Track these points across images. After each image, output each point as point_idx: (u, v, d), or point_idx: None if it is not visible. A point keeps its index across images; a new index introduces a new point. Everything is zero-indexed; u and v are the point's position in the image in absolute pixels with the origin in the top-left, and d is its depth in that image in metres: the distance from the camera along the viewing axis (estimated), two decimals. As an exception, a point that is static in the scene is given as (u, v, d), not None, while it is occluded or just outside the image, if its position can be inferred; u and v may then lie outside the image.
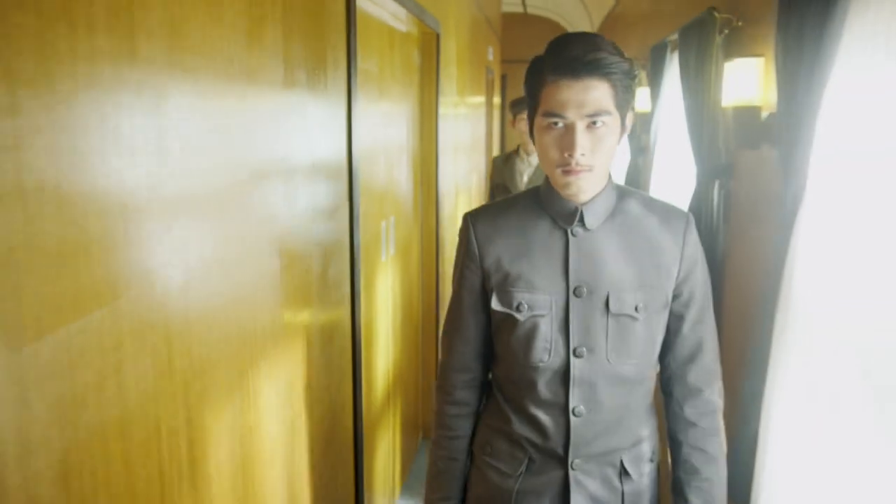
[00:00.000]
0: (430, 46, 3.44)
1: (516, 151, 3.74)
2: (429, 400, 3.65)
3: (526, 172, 3.65)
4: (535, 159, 3.61)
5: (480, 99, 6.05)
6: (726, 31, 1.97)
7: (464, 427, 1.48)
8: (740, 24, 1.92)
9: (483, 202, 6.18)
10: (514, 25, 10.09)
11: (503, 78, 10.25)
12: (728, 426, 1.48)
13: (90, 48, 0.83)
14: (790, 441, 1.58)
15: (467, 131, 5.16)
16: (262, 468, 1.42)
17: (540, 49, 1.28)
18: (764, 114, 1.70)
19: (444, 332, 1.49)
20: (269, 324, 1.43)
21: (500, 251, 1.37)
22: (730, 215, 1.97)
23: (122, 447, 0.92)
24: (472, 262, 1.39)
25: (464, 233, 1.41)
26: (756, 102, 1.74)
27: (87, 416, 0.84)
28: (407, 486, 3.31)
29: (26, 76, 0.73)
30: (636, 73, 1.27)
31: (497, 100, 8.94)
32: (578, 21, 9.32)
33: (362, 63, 2.24)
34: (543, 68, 1.24)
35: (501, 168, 3.77)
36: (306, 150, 1.61)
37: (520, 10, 10.03)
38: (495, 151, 8.96)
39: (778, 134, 1.41)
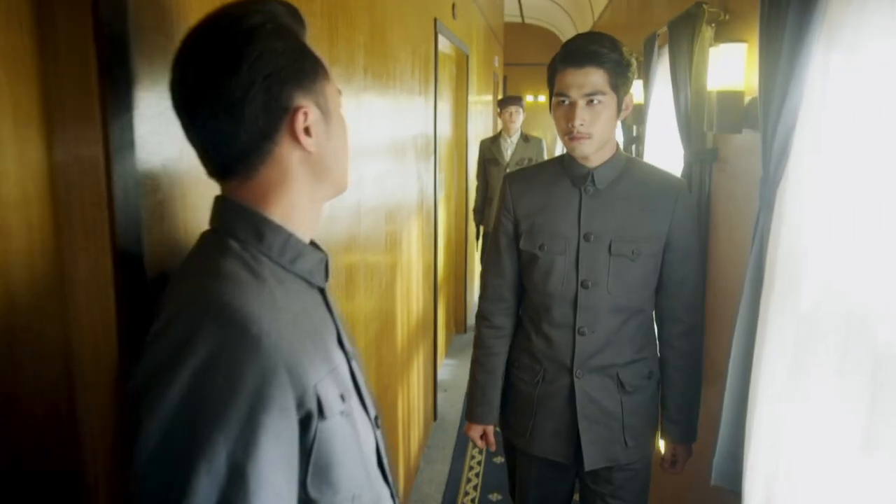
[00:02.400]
0: (462, 63, 5.12)
1: (500, 135, 5.14)
2: (461, 304, 5.33)
3: (509, 149, 5.09)
4: (515, 139, 5.07)
5: (489, 97, 7.72)
6: (714, 25, 1.97)
7: (499, 346, 1.76)
8: (726, 17, 1.92)
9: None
10: (514, 33, 11.69)
11: (504, 79, 11.84)
12: (715, 405, 1.56)
13: (393, 84, 2.49)
14: (777, 418, 1.32)
15: (481, 120, 6.85)
16: (413, 258, 3.10)
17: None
18: (746, 98, 1.68)
19: (483, 269, 1.79)
20: (413, 204, 3.10)
21: (529, 204, 1.65)
22: (713, 196, 2.07)
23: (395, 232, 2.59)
24: (508, 212, 1.69)
25: (503, 189, 1.72)
26: (738, 88, 1.68)
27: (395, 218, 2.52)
28: (449, 354, 4.99)
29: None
30: (630, 62, 1.52)
31: (500, 97, 10.59)
32: (567, 29, 10.88)
33: (434, 79, 3.92)
34: (556, 61, 1.55)
35: (490, 146, 5.15)
36: (420, 128, 3.28)
37: (519, 20, 11.64)
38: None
39: (761, 118, 1.34)
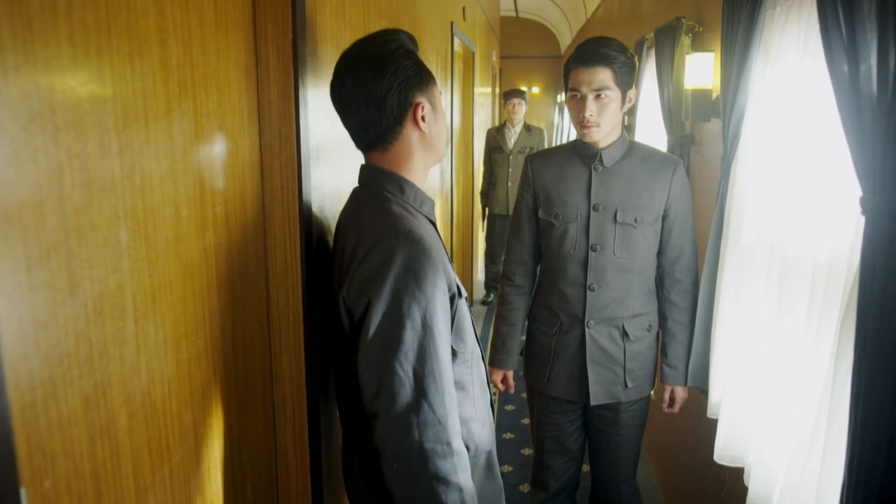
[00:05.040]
0: (469, 60, 5.60)
1: (504, 124, 5.64)
2: (468, 279, 5.84)
3: (512, 138, 5.57)
4: (518, 129, 5.53)
5: (489, 90, 8.21)
6: (691, 35, 2.45)
7: (519, 302, 2.00)
8: (701, 29, 2.42)
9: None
10: (508, 27, 12.15)
11: (500, 72, 12.29)
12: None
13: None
14: (729, 322, 1.83)
15: (483, 111, 7.35)
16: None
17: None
18: (713, 95, 2.20)
19: (507, 236, 2.02)
20: (437, 187, 3.59)
21: (546, 179, 1.88)
22: (691, 170, 2.59)
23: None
24: (528, 187, 1.92)
25: (524, 167, 1.95)
26: (708, 87, 2.22)
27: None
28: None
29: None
30: (634, 63, 1.77)
31: (497, 90, 11.04)
32: (559, 24, 11.33)
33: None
34: (570, 61, 1.78)
35: (495, 135, 5.65)
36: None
37: (513, 14, 12.10)
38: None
39: (721, 110, 1.82)
